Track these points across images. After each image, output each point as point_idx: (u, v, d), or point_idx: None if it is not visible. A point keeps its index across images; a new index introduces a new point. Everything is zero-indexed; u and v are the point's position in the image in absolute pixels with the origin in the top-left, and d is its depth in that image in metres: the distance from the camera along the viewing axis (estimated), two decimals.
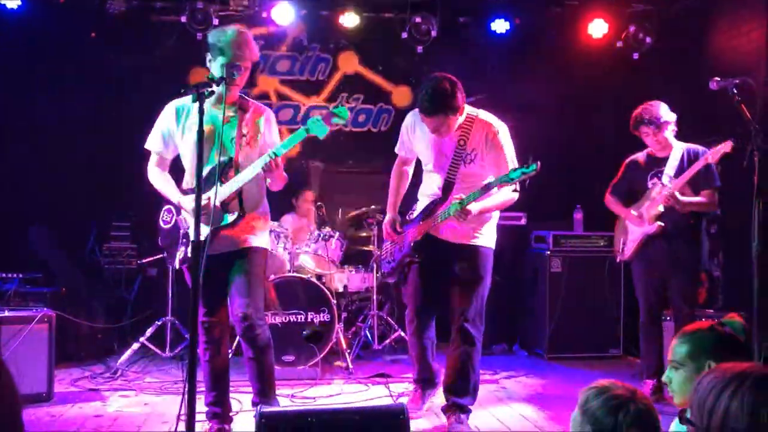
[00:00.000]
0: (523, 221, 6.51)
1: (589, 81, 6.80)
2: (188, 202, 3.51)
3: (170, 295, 5.66)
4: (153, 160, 3.76)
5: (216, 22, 6.17)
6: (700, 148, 4.65)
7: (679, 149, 4.64)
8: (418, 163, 4.26)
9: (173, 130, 3.68)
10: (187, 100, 3.59)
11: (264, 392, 3.73)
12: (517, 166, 3.62)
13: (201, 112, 2.79)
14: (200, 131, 2.79)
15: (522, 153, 6.36)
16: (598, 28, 6.56)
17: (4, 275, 5.36)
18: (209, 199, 3.37)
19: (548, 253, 6.21)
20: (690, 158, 4.61)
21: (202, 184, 2.89)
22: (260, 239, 3.75)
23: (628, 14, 6.54)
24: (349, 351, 5.59)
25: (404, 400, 4.51)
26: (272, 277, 5.45)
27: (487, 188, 3.63)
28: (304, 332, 5.27)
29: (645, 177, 4.78)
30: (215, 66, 3.54)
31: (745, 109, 3.60)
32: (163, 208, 3.79)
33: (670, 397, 2.18)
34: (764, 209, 3.45)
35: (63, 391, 4.81)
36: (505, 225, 6.26)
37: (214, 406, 3.77)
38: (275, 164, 3.47)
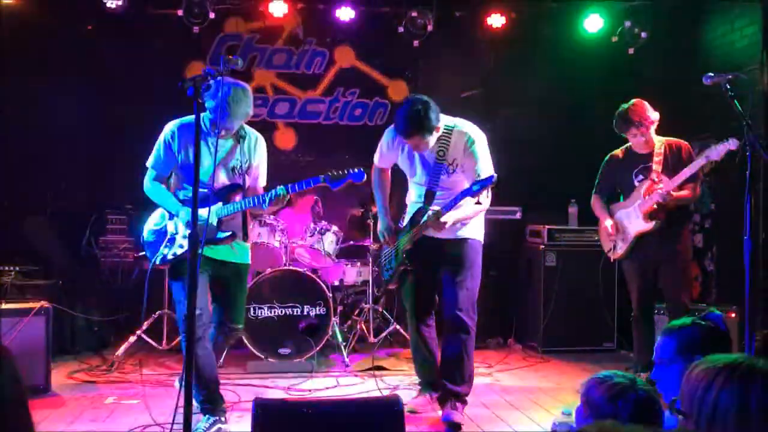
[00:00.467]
0: (518, 215, 6.54)
1: (584, 75, 6.81)
2: (187, 212, 3.75)
3: (167, 288, 5.67)
4: (151, 175, 3.92)
5: (212, 15, 6.16)
6: (680, 141, 4.68)
7: (659, 144, 4.65)
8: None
9: (175, 150, 3.83)
10: (187, 121, 3.83)
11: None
12: (479, 177, 3.76)
13: (197, 106, 2.80)
14: (197, 126, 2.81)
15: (517, 146, 6.45)
16: (593, 22, 6.57)
17: (1, 268, 5.36)
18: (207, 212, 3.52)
19: (543, 247, 6.24)
20: (673, 152, 4.64)
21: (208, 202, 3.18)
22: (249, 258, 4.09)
23: (624, 9, 6.56)
24: (344, 344, 5.62)
25: (401, 394, 4.54)
26: (268, 270, 5.47)
27: (455, 201, 3.81)
28: (300, 325, 5.30)
29: (629, 173, 4.75)
30: (210, 103, 3.65)
31: (738, 104, 3.62)
32: (156, 212, 3.96)
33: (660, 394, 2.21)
34: (756, 204, 3.49)
35: (60, 383, 4.83)
36: (501, 219, 6.32)
37: (205, 403, 3.84)
38: (284, 198, 3.75)
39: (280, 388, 4.86)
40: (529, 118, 6.88)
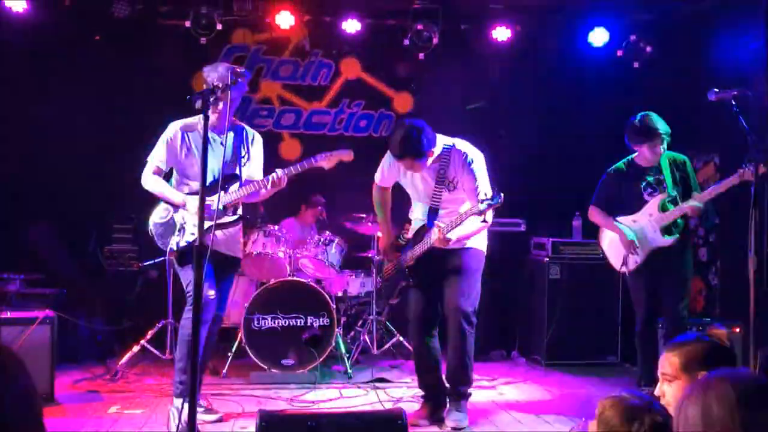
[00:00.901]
0: (522, 228, 6.54)
1: (589, 89, 6.83)
2: (193, 201, 4.02)
3: (170, 297, 5.67)
4: (151, 168, 4.18)
5: (220, 27, 6.21)
6: (682, 156, 4.70)
7: (665, 158, 4.66)
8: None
9: (177, 148, 4.13)
10: (190, 122, 4.12)
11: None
12: (486, 197, 3.88)
13: (206, 118, 2.83)
14: (205, 136, 2.83)
15: (521, 159, 6.46)
16: (598, 36, 6.59)
17: (6, 276, 5.38)
18: (212, 201, 3.83)
19: (547, 259, 6.24)
20: (678, 166, 4.66)
21: (207, 191, 3.25)
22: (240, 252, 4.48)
23: (629, 23, 6.58)
24: (347, 356, 5.62)
25: (404, 406, 4.54)
26: (272, 280, 5.48)
27: (460, 219, 3.97)
28: (303, 336, 5.30)
29: (635, 186, 4.71)
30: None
31: (743, 119, 3.64)
32: (160, 206, 4.22)
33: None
34: (761, 218, 3.49)
35: (63, 392, 4.83)
36: (505, 231, 6.31)
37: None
38: (278, 180, 4.04)
39: (282, 399, 4.85)
40: (534, 131, 6.89)
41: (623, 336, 6.16)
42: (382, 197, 4.57)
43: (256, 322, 5.33)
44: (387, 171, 4.44)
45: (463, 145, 4.22)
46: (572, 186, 6.52)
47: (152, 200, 4.25)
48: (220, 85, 2.99)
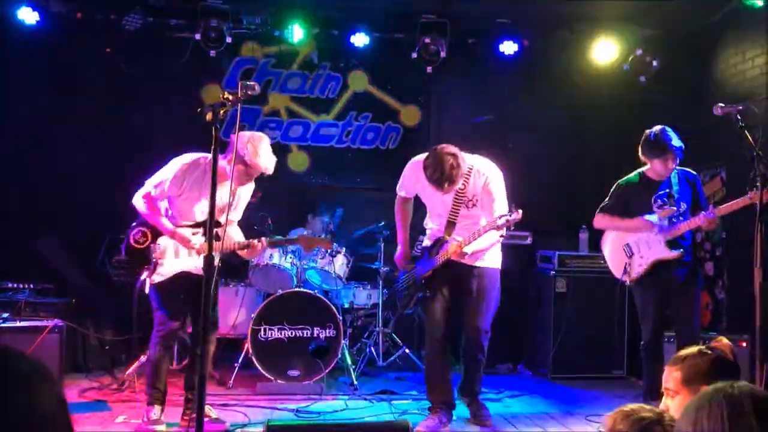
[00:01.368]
0: (528, 241, 6.54)
1: (595, 103, 6.86)
2: (187, 232, 4.12)
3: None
4: (145, 192, 4.16)
5: (229, 40, 6.27)
6: (691, 171, 4.72)
7: (675, 173, 4.66)
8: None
9: (179, 184, 4.10)
10: (197, 164, 4.10)
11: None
12: (504, 212, 4.06)
13: (215, 129, 2.86)
14: (215, 150, 2.87)
15: (528, 172, 6.49)
16: (605, 51, 6.63)
17: (15, 285, 5.42)
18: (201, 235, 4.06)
19: (553, 273, 6.24)
20: (689, 181, 4.68)
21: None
22: None
23: (635, 38, 6.61)
24: (354, 367, 5.63)
25: (410, 418, 4.54)
26: (279, 291, 5.50)
27: (478, 233, 4.17)
28: (309, 347, 5.32)
29: (645, 199, 4.68)
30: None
31: (749, 134, 3.65)
32: (137, 229, 4.20)
33: None
34: (767, 233, 3.50)
35: (71, 401, 4.84)
36: (511, 244, 6.30)
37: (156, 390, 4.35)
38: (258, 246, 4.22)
39: (289, 410, 4.86)
40: (540, 145, 6.92)
41: (629, 349, 6.15)
42: (403, 208, 4.73)
43: (262, 333, 5.35)
44: (412, 185, 4.58)
45: (483, 165, 4.37)
46: (578, 199, 6.54)
47: None
48: (231, 98, 3.01)
